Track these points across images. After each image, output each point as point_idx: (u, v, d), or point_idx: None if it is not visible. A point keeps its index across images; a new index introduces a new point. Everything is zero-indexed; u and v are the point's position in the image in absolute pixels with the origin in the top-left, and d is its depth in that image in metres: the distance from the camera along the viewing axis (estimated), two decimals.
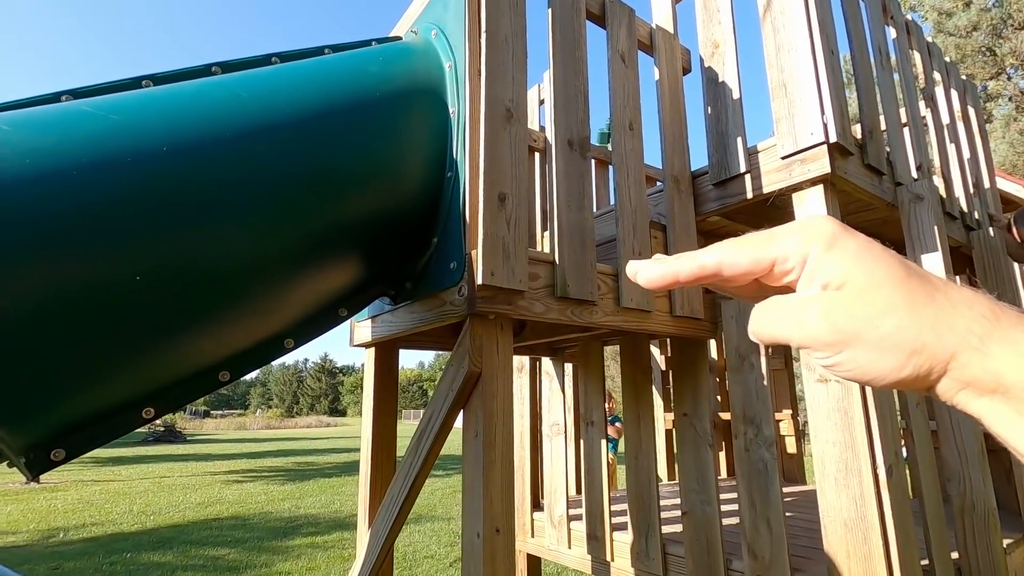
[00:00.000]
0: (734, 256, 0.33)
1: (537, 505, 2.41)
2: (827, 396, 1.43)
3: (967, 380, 0.28)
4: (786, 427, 3.27)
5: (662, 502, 1.98)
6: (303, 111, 1.24)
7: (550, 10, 1.53)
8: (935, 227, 1.70)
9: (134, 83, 1.24)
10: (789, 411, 3.28)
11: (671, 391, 3.12)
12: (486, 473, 1.21)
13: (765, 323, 0.33)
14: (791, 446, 3.29)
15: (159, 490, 10.84)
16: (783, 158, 1.63)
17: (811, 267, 0.31)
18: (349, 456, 17.86)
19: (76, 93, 1.16)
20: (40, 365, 0.98)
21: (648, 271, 0.36)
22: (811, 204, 1.58)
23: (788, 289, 0.33)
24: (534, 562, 2.43)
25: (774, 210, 1.71)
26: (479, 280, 1.22)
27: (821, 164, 1.53)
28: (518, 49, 1.41)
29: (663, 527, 1.84)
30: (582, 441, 2.16)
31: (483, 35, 1.35)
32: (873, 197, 1.73)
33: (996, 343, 0.27)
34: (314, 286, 1.36)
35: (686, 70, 1.96)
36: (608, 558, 1.98)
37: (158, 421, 32.47)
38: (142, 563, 5.84)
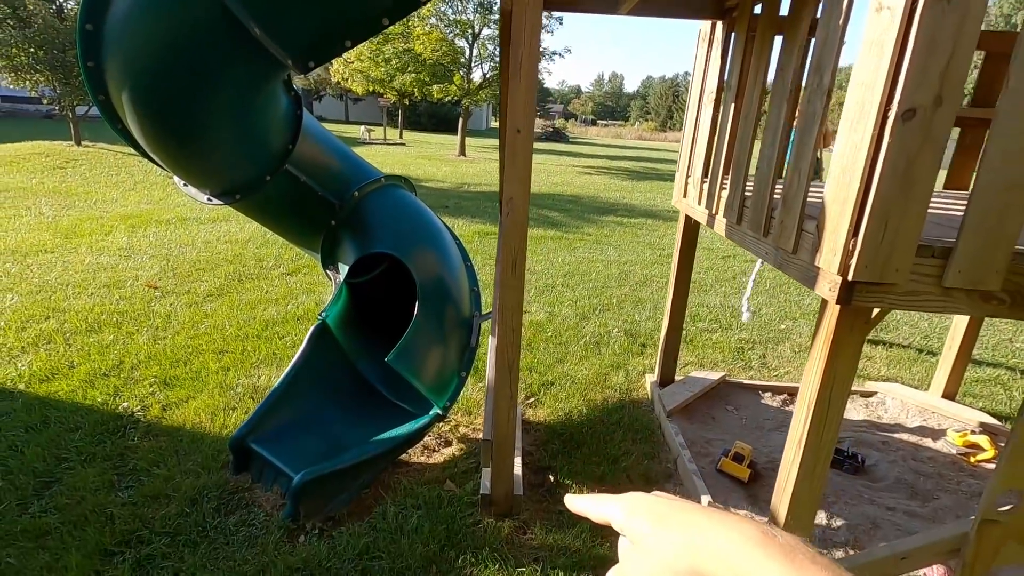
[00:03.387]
0: (592, 511, 0.39)
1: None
2: (871, 29, 1.25)
3: None
4: None
5: None
6: None
7: None
8: None
9: None
10: None
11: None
12: (508, 91, 1.66)
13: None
14: None
15: (532, 171, 13.93)
16: None
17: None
18: None
19: None
20: (305, 9, 1.81)
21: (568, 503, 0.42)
22: None
23: None
24: (691, 224, 2.78)
25: None
26: None
27: None
28: None
29: (748, 189, 1.95)
30: (721, 108, 2.21)
31: None
32: None
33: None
34: None
35: None
36: (715, 211, 2.22)
37: (547, 125, 38.23)
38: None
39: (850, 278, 1.33)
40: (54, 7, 9.76)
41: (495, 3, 15.31)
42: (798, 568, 0.28)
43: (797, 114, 1.59)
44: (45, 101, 10.75)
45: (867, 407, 3.00)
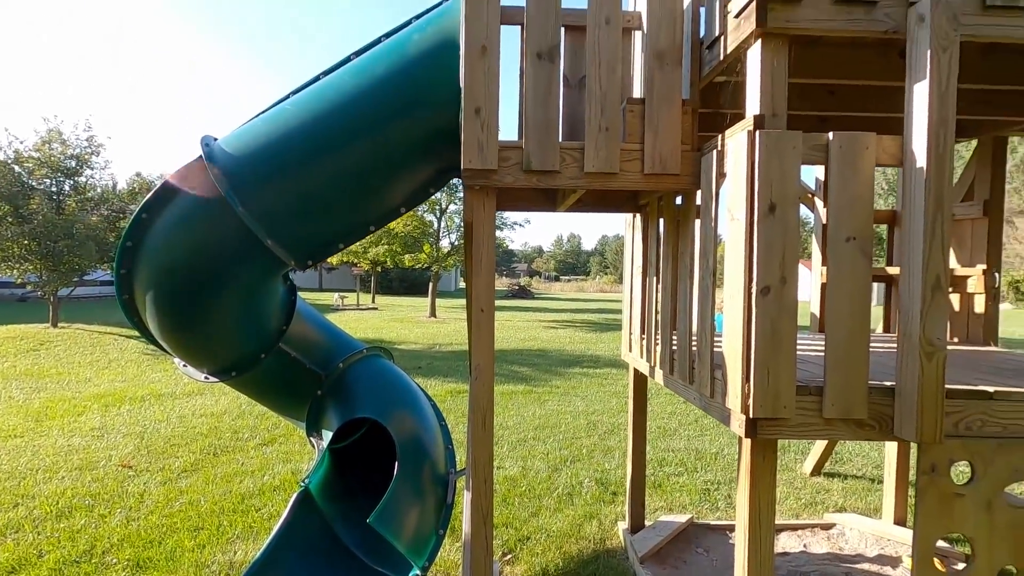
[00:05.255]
0: None
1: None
2: (730, 231, 1.75)
3: None
4: (975, 284, 2.84)
5: None
6: (373, 79, 2.19)
7: None
8: (928, 52, 1.57)
9: (317, 78, 2.38)
10: (982, 266, 2.82)
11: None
12: (472, 279, 2.09)
13: None
14: (979, 305, 2.86)
15: (501, 329, 14.53)
16: (735, 16, 1.77)
17: None
18: None
19: (295, 90, 2.37)
20: (309, 226, 2.29)
21: None
22: (752, 59, 1.72)
23: None
24: (639, 375, 3.14)
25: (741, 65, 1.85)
26: (463, 165, 2.02)
27: (751, 21, 1.67)
28: (492, 1, 1.98)
29: (674, 344, 2.36)
30: (647, 279, 2.71)
31: None
32: (856, 33, 1.68)
33: None
34: (409, 176, 2.37)
35: None
36: (653, 364, 2.60)
37: (513, 283, 40.24)
38: None
39: (751, 416, 1.66)
40: (54, 203, 10.61)
41: (458, 185, 17.21)
42: None
43: (697, 288, 2.05)
44: (29, 286, 11.17)
45: (828, 539, 3.14)
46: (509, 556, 3.00)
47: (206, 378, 2.64)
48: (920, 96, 1.60)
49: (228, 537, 3.11)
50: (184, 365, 2.69)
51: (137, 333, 2.42)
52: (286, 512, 2.50)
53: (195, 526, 3.22)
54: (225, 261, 2.25)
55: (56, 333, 10.43)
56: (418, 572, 2.39)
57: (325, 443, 2.72)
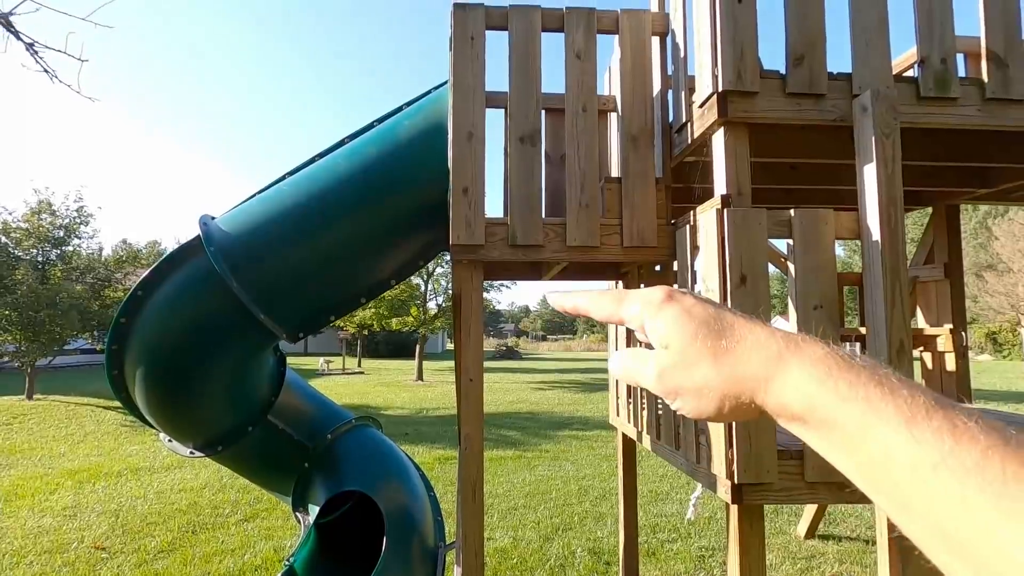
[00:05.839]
0: (594, 308, 0.44)
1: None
2: None
3: (774, 411, 0.34)
4: (944, 343, 2.96)
5: None
6: (366, 161, 2.32)
7: (508, 35, 2.19)
8: (872, 138, 1.74)
9: (311, 160, 2.51)
10: (948, 326, 2.95)
11: None
12: (461, 349, 2.15)
13: (624, 370, 0.42)
14: (950, 363, 2.96)
15: (489, 391, 14.38)
16: (699, 107, 1.95)
17: (648, 330, 0.39)
18: None
19: (290, 172, 2.49)
20: (302, 301, 2.35)
21: (552, 300, 0.48)
22: (717, 144, 1.88)
23: None
24: (628, 439, 3.16)
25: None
26: (451, 241, 2.12)
27: (713, 112, 1.84)
28: (477, 91, 2.16)
29: (660, 410, 2.41)
30: (631, 345, 2.78)
31: (451, 84, 2.17)
32: (808, 121, 1.85)
33: (778, 382, 0.33)
34: (399, 251, 2.46)
35: (663, 33, 2.28)
36: (640, 429, 2.63)
37: (500, 344, 40.10)
38: None
39: (736, 481, 1.70)
40: (39, 272, 10.57)
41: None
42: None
43: None
44: (6, 357, 10.92)
45: None
46: None
47: (191, 453, 2.61)
48: (870, 177, 1.75)
49: None
50: (169, 440, 2.67)
51: (119, 404, 2.42)
52: None
53: None
54: (219, 336, 2.29)
55: (31, 406, 10.11)
56: None
57: (311, 518, 2.66)
